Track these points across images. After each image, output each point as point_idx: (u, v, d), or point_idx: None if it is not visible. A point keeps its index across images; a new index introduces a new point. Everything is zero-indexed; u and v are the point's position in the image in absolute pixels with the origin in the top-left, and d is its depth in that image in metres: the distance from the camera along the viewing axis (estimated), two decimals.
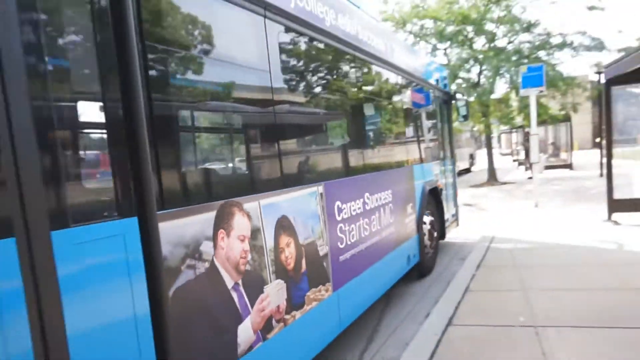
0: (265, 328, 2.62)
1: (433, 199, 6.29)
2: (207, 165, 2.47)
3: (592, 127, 35.19)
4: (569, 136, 20.46)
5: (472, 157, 27.27)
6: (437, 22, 15.70)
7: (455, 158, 8.07)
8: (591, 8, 15.29)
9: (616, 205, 7.75)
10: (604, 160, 9.17)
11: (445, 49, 16.67)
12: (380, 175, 4.48)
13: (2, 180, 1.28)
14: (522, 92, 10.46)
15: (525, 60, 14.69)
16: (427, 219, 5.91)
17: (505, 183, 16.70)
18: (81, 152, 1.77)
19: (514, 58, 14.64)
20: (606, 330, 3.49)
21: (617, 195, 7.81)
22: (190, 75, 2.35)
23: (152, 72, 2.04)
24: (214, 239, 2.26)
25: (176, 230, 2.03)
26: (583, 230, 7.21)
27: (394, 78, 5.27)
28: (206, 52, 2.40)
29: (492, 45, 15.72)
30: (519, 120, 18.29)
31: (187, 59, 2.30)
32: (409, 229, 5.26)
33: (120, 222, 1.77)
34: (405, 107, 5.62)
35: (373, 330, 4.31)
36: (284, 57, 3.08)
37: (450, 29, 15.50)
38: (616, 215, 7.78)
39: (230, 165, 2.66)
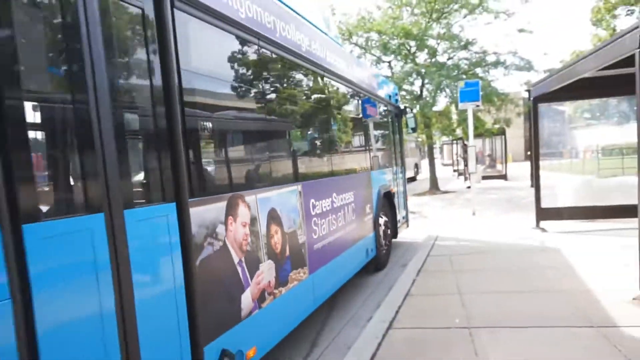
0: (260, 298, 3.19)
1: (387, 202, 6.99)
2: (220, 165, 3.12)
3: (524, 140, 37.59)
4: (503, 149, 21.72)
5: (417, 166, 28.28)
6: (381, 36, 16.22)
7: (405, 166, 8.75)
8: (521, 30, 16.50)
9: (543, 214, 8.33)
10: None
11: (389, 62, 17.24)
12: (344, 178, 5.13)
13: (92, 171, 1.88)
14: (461, 105, 11.02)
15: (464, 76, 15.50)
16: (382, 219, 6.60)
17: (446, 192, 17.43)
18: (143, 154, 2.38)
19: (453, 73, 15.38)
20: (536, 330, 3.74)
21: (544, 204, 8.39)
22: (209, 100, 2.97)
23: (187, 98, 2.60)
24: (226, 223, 2.84)
25: (200, 214, 2.59)
26: (515, 237, 7.68)
27: (357, 96, 6.00)
28: (220, 77, 3.04)
29: (433, 60, 16.44)
30: (459, 132, 19.27)
31: (209, 83, 2.93)
32: (367, 227, 5.91)
33: (167, 205, 2.34)
34: (363, 120, 6.28)
35: (317, 334, 4.35)
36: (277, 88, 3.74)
37: (394, 42, 16.07)
38: (543, 223, 8.36)
39: (236, 165, 3.31)
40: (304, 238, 3.97)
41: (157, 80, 2.33)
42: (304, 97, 4.49)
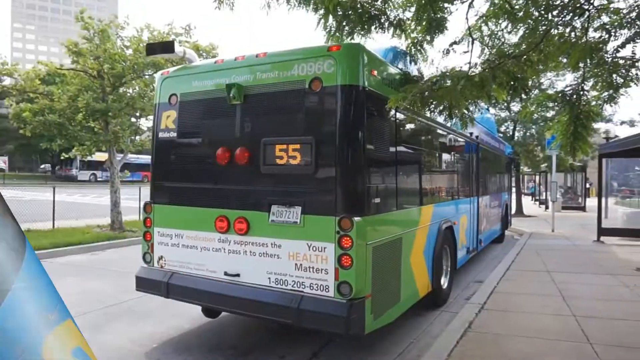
0: (482, 232, 9.57)
1: (505, 210, 12.87)
2: (472, 185, 9.06)
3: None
4: (583, 183, 25.04)
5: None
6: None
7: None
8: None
9: (602, 231, 12.46)
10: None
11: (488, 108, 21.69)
12: (495, 195, 10.92)
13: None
14: (547, 152, 15.32)
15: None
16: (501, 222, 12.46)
17: (529, 216, 21.33)
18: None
19: (541, 123, 19.54)
20: (589, 273, 8.27)
21: (604, 225, 12.53)
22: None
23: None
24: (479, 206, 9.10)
25: (479, 202, 9.17)
26: (580, 244, 11.94)
27: (500, 157, 12.02)
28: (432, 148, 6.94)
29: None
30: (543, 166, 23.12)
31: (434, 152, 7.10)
32: (499, 219, 11.70)
33: (474, 198, 8.70)
34: (501, 168, 11.93)
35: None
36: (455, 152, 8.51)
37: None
38: (603, 238, 12.47)
39: (474, 184, 9.25)
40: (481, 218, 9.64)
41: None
42: (479, 160, 9.62)
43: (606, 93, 5.35)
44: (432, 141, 6.53)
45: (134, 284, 5.18)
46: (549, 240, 13.01)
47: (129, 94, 12.99)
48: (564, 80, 19.28)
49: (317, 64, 4.17)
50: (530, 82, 5.20)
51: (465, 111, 4.65)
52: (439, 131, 6.73)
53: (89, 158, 16.69)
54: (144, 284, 5.08)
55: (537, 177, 32.84)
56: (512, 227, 16.60)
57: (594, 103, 5.77)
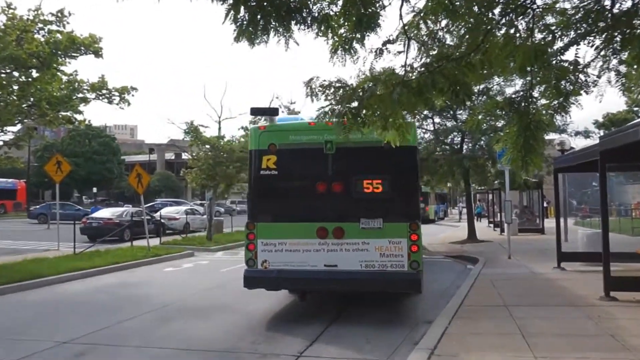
0: None
1: None
2: None
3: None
4: (540, 202, 26.88)
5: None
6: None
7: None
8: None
9: (563, 256, 13.39)
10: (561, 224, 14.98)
11: (432, 117, 22.79)
12: None
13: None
14: (499, 166, 16.32)
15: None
16: None
17: (482, 241, 22.46)
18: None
19: (491, 134, 20.82)
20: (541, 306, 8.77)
21: (565, 249, 13.49)
22: None
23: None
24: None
25: None
26: (537, 272, 12.73)
27: None
28: None
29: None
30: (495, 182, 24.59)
31: None
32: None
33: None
34: None
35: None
36: None
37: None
38: (564, 264, 13.40)
39: None
40: None
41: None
42: None
43: (556, 101, 5.83)
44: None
45: None
46: (505, 268, 13.77)
47: None
48: (514, 87, 20.68)
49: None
50: (475, 88, 5.54)
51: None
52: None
53: None
54: (254, 282, 8.70)
55: (490, 196, 34.80)
56: (464, 253, 17.38)
57: (544, 112, 6.25)
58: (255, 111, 10.46)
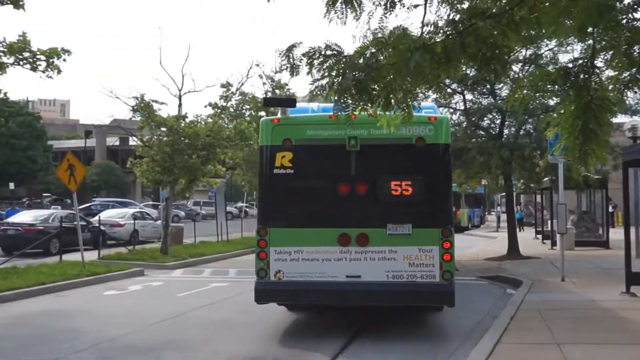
0: None
1: None
2: None
3: None
4: (604, 206, 26.61)
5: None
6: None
7: None
8: None
9: (634, 278, 13.37)
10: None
11: (463, 93, 22.73)
12: None
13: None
14: (550, 159, 16.27)
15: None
16: None
17: (528, 257, 22.43)
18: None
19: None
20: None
21: (636, 268, 13.48)
22: None
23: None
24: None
25: None
26: (602, 300, 12.74)
27: None
28: None
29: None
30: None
31: None
32: None
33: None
34: None
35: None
36: None
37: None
38: (635, 288, 13.37)
39: None
40: None
41: None
42: None
43: (627, 73, 5.75)
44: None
45: None
46: (557, 294, 13.82)
47: None
48: (570, 53, 20.40)
49: (420, 128, 9.44)
50: (519, 55, 5.47)
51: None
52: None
53: None
54: (266, 295, 9.71)
55: (538, 197, 34.60)
56: (503, 273, 17.38)
57: (610, 87, 6.17)
58: (269, 102, 12.96)
